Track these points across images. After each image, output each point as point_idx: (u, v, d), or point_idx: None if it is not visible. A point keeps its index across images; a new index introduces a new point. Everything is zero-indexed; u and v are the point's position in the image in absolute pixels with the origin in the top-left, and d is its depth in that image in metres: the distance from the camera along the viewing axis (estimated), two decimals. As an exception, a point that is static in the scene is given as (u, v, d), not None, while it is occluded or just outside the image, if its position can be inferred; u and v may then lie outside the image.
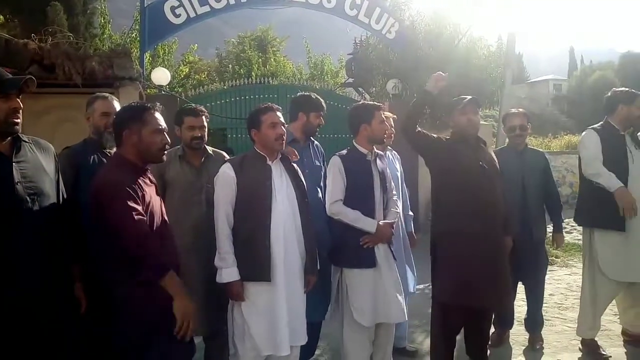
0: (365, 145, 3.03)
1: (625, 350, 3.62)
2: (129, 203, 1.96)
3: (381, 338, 3.05)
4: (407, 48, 8.47)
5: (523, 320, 3.78)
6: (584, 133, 3.67)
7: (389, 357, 3.14)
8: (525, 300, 3.74)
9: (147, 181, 2.18)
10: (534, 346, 3.66)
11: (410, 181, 3.96)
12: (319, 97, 3.27)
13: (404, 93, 8.57)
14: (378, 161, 3.06)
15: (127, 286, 2.00)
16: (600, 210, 3.45)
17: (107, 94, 2.93)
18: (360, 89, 9.95)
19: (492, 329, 3.59)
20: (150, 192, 2.15)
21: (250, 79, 9.22)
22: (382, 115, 3.05)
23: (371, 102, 3.28)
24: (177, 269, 2.23)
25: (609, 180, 3.32)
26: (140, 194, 2.04)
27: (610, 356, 3.50)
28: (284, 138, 2.60)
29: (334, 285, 3.04)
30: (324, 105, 3.24)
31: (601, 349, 3.55)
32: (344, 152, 3.05)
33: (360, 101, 9.02)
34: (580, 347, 3.63)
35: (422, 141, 3.01)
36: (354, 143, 3.08)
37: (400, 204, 3.30)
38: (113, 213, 1.97)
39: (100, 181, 2.04)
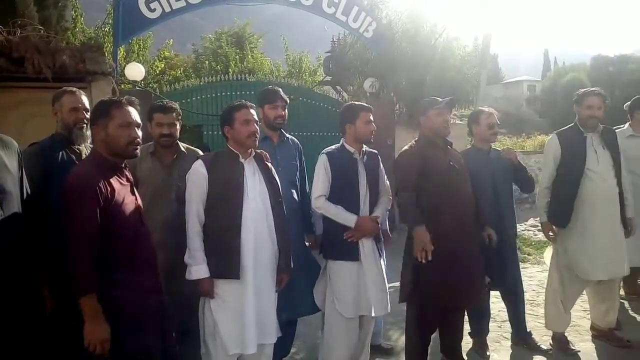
0: (352, 144, 3.10)
1: (594, 345, 3.71)
2: (87, 208, 1.91)
3: (360, 331, 3.09)
4: (384, 47, 8.50)
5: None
6: (549, 137, 3.77)
7: (367, 351, 3.18)
8: (507, 311, 3.74)
9: (123, 180, 2.13)
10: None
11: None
12: (277, 88, 3.27)
13: (381, 92, 8.61)
14: (366, 160, 3.09)
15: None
16: (563, 210, 3.55)
17: (74, 89, 2.85)
18: (338, 87, 9.94)
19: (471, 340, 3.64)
20: (124, 191, 2.10)
21: (227, 76, 9.12)
22: (369, 116, 3.08)
23: (358, 103, 3.31)
24: (155, 268, 2.19)
25: (541, 213, 3.66)
26: (109, 195, 1.98)
27: (579, 350, 3.58)
28: (257, 135, 2.59)
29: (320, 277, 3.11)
30: (284, 97, 3.22)
31: (570, 344, 3.63)
32: (333, 149, 3.13)
33: (337, 99, 9.09)
34: (551, 342, 3.70)
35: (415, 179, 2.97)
36: (343, 141, 3.15)
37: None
38: (66, 213, 1.93)
39: (69, 178, 1.98)
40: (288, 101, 3.27)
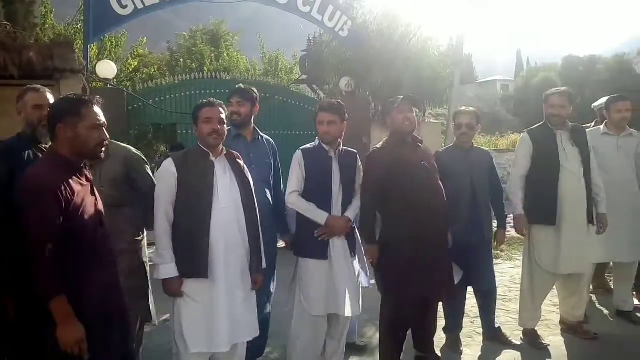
0: (326, 142, 3.09)
1: (563, 339, 3.80)
2: (47, 209, 1.84)
3: (333, 330, 3.10)
4: (359, 46, 8.54)
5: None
6: (520, 136, 3.84)
7: (342, 349, 3.19)
8: (478, 307, 3.79)
9: (83, 180, 2.06)
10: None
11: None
12: (239, 86, 3.25)
13: (357, 91, 8.65)
14: (342, 159, 3.08)
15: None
16: (532, 206, 3.63)
17: (38, 86, 2.77)
18: (314, 86, 9.95)
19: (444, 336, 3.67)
20: (83, 192, 2.02)
21: (202, 74, 9.02)
22: (324, 117, 3.06)
23: (321, 103, 3.30)
24: (114, 267, 2.15)
25: (515, 205, 3.66)
26: (69, 196, 1.91)
27: (549, 344, 3.66)
28: (220, 134, 2.54)
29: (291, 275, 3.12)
30: (243, 93, 3.18)
31: (541, 339, 3.71)
32: (309, 146, 3.13)
33: (314, 98, 9.09)
34: (522, 337, 3.78)
35: (378, 189, 3.04)
36: (318, 139, 3.15)
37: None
38: (26, 215, 1.85)
39: (27, 179, 1.91)
40: (252, 97, 3.21)
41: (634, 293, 4.47)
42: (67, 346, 1.85)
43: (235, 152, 2.72)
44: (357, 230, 3.18)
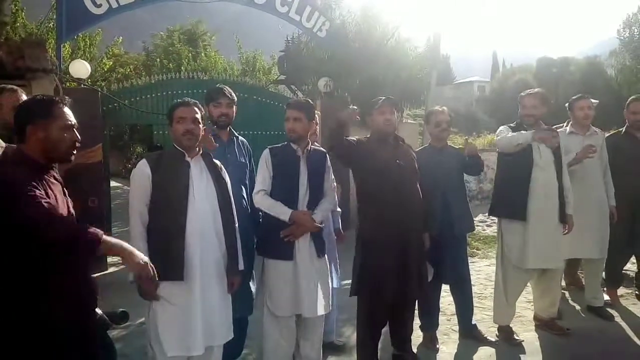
0: (295, 141, 3.08)
1: (537, 335, 3.88)
2: (35, 194, 1.77)
3: (305, 330, 3.09)
4: (338, 47, 8.56)
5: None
6: (498, 129, 3.92)
7: (317, 350, 3.17)
8: (454, 305, 3.84)
9: (52, 180, 2.00)
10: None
11: (342, 178, 3.99)
12: (221, 86, 3.23)
13: (336, 91, 8.66)
14: (310, 158, 3.07)
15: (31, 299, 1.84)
16: (505, 201, 3.71)
17: (15, 87, 2.72)
18: (292, 87, 9.93)
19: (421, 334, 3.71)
20: (56, 192, 1.97)
21: (179, 74, 8.93)
22: (290, 114, 3.06)
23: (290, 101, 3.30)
24: (86, 270, 2.11)
25: (519, 135, 3.58)
26: (43, 193, 1.85)
27: (523, 340, 3.73)
28: (194, 134, 2.52)
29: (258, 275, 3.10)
30: (228, 94, 3.17)
31: (515, 335, 3.78)
32: (278, 145, 3.13)
33: (292, 98, 9.07)
34: (497, 333, 3.84)
35: (349, 150, 3.05)
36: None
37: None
38: (20, 209, 1.74)
39: None
40: (235, 99, 3.22)
41: (604, 289, 4.60)
42: (140, 271, 1.87)
43: (209, 136, 2.69)
44: (323, 230, 3.15)
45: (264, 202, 2.97)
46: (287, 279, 2.92)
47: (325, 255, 3.13)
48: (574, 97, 4.31)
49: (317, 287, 2.98)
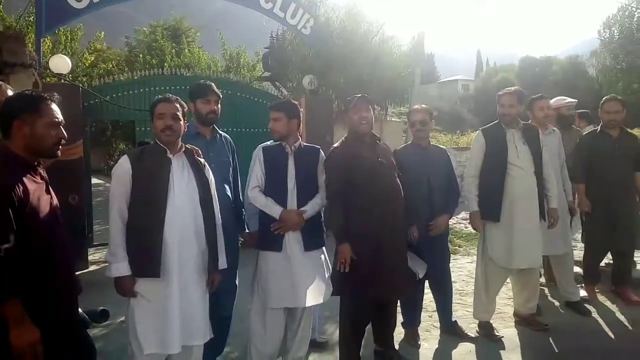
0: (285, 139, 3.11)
1: (516, 330, 3.94)
2: (0, 210, 1.75)
3: (295, 324, 3.11)
4: (322, 44, 8.55)
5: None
6: (475, 134, 3.97)
7: (305, 343, 3.19)
8: (435, 302, 3.89)
9: (37, 178, 1.99)
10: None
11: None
12: (209, 82, 3.21)
13: (320, 89, 8.66)
14: (299, 155, 3.10)
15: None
16: (482, 202, 3.76)
17: (0, 82, 2.66)
18: (277, 84, 9.90)
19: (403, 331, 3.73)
20: (39, 191, 1.95)
21: (162, 70, 8.83)
22: (273, 115, 3.09)
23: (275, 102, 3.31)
24: (70, 269, 2.09)
25: (470, 202, 3.79)
26: (23, 196, 1.84)
27: (503, 336, 3.79)
28: (173, 130, 2.50)
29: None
30: (216, 91, 3.16)
31: (495, 331, 3.84)
32: (269, 143, 3.17)
33: (277, 95, 9.04)
34: (477, 329, 3.90)
35: (341, 196, 3.04)
36: None
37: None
38: None
39: None
40: (221, 96, 3.20)
41: (582, 285, 4.69)
42: (20, 349, 1.78)
43: (195, 148, 2.68)
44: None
45: (258, 199, 3.05)
46: (280, 271, 2.96)
47: (323, 248, 3.16)
48: (533, 97, 4.37)
49: (311, 278, 3.00)
